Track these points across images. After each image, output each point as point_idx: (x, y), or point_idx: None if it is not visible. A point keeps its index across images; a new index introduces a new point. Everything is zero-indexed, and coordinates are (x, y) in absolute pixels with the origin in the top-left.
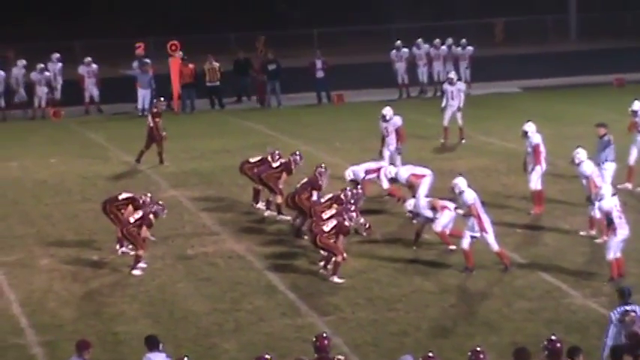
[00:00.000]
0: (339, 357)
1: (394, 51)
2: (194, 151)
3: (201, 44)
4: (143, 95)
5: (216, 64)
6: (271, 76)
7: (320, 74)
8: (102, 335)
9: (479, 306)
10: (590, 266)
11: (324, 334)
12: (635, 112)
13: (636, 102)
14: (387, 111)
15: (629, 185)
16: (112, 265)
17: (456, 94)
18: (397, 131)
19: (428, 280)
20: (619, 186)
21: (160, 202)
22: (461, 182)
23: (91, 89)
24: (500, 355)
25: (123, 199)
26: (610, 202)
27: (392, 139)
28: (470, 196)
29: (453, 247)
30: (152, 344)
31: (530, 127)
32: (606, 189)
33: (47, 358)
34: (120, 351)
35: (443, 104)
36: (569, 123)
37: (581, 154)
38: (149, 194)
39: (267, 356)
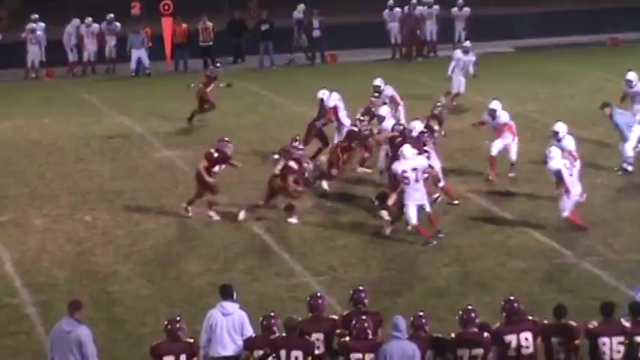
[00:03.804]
0: (333, 316)
1: (387, 10)
2: (187, 111)
3: (194, 4)
4: (137, 56)
5: (210, 24)
6: (264, 37)
7: (317, 34)
8: (95, 295)
9: (472, 266)
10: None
11: (319, 294)
12: (629, 83)
13: (630, 72)
14: (379, 82)
15: None
16: (106, 226)
17: (466, 65)
18: (392, 100)
19: (421, 240)
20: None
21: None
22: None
23: (90, 50)
24: (494, 314)
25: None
26: (559, 162)
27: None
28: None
29: (456, 201)
30: (226, 293)
31: (497, 106)
32: (554, 150)
33: (41, 318)
34: (113, 310)
35: (449, 72)
36: (563, 83)
37: (560, 127)
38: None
39: (272, 314)
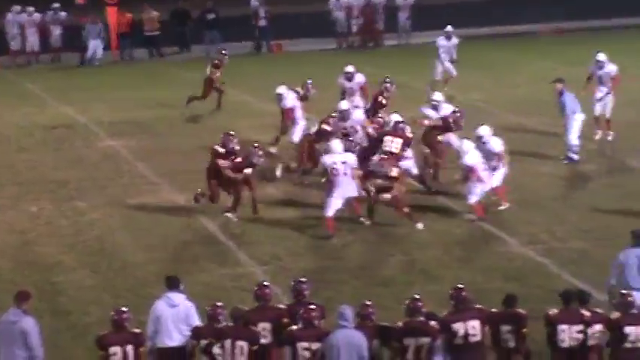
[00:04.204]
0: (280, 306)
1: (333, 0)
2: (133, 101)
3: None
4: (94, 46)
5: (155, 14)
6: (210, 26)
7: (263, 23)
8: (40, 285)
9: (417, 254)
10: (528, 214)
11: (265, 283)
12: (600, 63)
13: (600, 53)
14: (351, 69)
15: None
16: (50, 216)
17: (450, 50)
18: (362, 89)
19: (368, 230)
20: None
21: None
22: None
23: (32, 40)
24: (439, 303)
25: None
26: (474, 157)
27: (357, 99)
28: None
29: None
30: (172, 284)
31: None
32: (467, 145)
33: None
34: (57, 301)
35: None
36: (507, 72)
37: (483, 131)
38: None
39: (218, 303)
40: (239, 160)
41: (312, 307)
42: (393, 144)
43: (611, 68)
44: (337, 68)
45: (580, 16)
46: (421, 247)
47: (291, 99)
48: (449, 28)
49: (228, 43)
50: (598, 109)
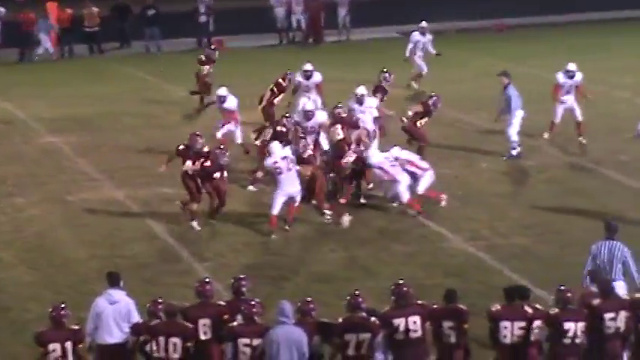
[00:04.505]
0: (220, 302)
1: None
2: (73, 97)
3: None
4: (43, 40)
5: (96, 10)
6: (150, 22)
7: (203, 19)
8: None
9: (357, 251)
10: (469, 211)
11: (207, 279)
12: (570, 73)
13: (571, 63)
14: (310, 67)
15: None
16: None
17: (425, 46)
18: (317, 87)
19: (308, 226)
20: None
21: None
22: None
23: None
24: (378, 298)
25: None
26: (378, 156)
27: (315, 96)
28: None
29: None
30: (114, 280)
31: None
32: (372, 149)
33: None
34: None
35: (407, 54)
36: (449, 67)
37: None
38: None
39: (158, 300)
40: (208, 163)
41: (253, 302)
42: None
43: (579, 77)
44: (276, 64)
45: (522, 13)
46: (362, 243)
47: (231, 101)
48: (423, 23)
49: (170, 39)
50: (560, 114)
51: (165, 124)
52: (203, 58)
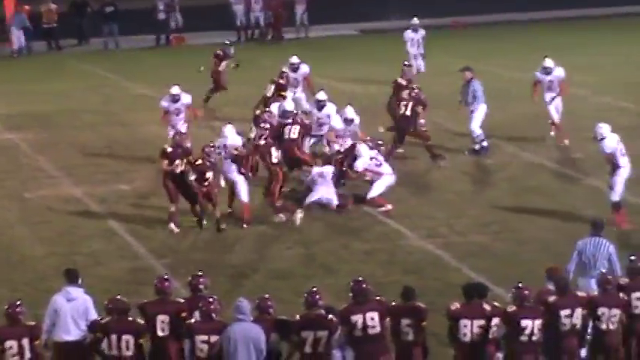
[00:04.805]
0: (179, 300)
1: None
2: (31, 93)
3: None
4: (18, 36)
5: (54, 6)
6: (109, 19)
7: (162, 16)
8: None
9: (316, 248)
10: (427, 208)
11: (166, 276)
12: (547, 69)
13: (547, 59)
14: (296, 60)
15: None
16: None
17: (418, 43)
18: (306, 80)
19: (266, 223)
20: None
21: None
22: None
23: None
24: (337, 296)
25: None
26: (364, 162)
27: (300, 93)
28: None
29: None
30: (72, 277)
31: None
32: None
33: None
34: None
35: (408, 51)
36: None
37: (362, 150)
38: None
39: (117, 297)
40: (199, 162)
41: (211, 300)
42: (291, 131)
43: (559, 72)
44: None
45: (482, 11)
46: (320, 241)
47: (185, 99)
48: (415, 20)
49: (128, 36)
50: (554, 113)
51: (125, 121)
52: (221, 53)
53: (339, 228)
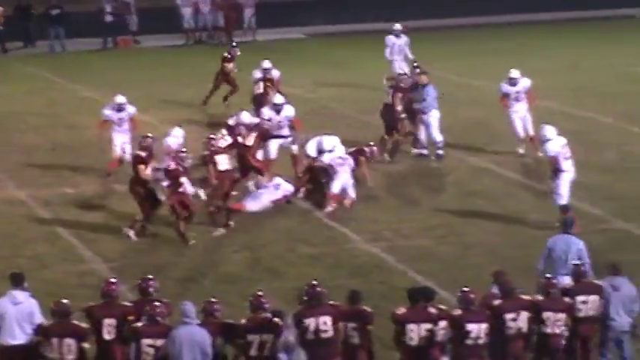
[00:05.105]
0: (126, 303)
1: None
2: None
3: None
4: None
5: (0, 9)
6: (55, 21)
7: (109, 18)
8: None
9: (262, 252)
10: (373, 212)
11: (112, 280)
12: (513, 80)
13: (514, 70)
14: (268, 64)
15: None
16: None
17: (401, 48)
18: (276, 84)
19: (213, 227)
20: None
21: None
22: None
23: None
24: (284, 299)
25: None
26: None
27: (271, 93)
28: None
29: None
30: (17, 281)
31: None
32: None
33: None
34: None
35: (387, 56)
36: (354, 69)
37: (329, 141)
38: None
39: (63, 300)
40: (173, 167)
41: (157, 303)
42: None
43: (525, 83)
44: (181, 64)
45: (430, 15)
46: (266, 244)
47: (130, 109)
48: (397, 26)
49: (75, 39)
50: (520, 127)
51: (70, 123)
52: (228, 56)
53: (285, 232)
